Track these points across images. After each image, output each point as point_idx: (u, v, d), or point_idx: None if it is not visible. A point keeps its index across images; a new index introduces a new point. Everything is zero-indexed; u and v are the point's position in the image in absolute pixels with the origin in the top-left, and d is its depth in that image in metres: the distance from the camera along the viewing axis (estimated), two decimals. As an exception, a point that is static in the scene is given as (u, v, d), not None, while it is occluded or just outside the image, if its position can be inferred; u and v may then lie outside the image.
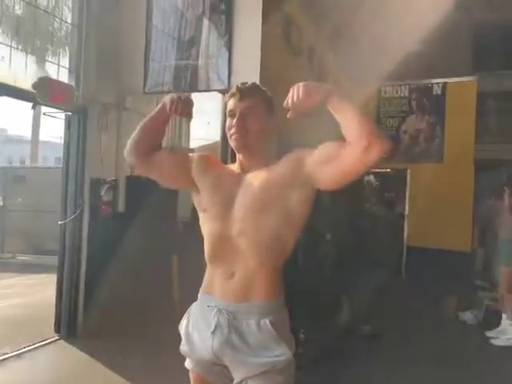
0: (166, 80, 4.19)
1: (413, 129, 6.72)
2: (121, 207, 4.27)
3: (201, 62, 4.13)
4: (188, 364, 1.49)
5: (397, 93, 6.78)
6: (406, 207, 6.71)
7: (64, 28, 3.87)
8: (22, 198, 8.93)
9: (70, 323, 3.92)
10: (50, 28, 3.80)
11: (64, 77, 3.83)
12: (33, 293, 5.56)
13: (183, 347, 1.48)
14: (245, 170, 1.48)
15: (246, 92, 1.45)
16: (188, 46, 4.21)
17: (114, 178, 4.14)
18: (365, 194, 7.62)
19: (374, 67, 5.66)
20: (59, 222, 3.98)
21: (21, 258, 8.47)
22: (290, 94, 1.34)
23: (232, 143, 1.46)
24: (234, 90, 1.47)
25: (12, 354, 3.44)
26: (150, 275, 4.09)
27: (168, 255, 4.47)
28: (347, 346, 3.81)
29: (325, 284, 4.53)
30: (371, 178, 7.76)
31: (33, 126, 14.69)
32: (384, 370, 3.35)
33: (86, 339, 3.85)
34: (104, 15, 3.99)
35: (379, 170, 7.51)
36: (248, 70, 3.77)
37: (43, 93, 3.41)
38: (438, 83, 6.45)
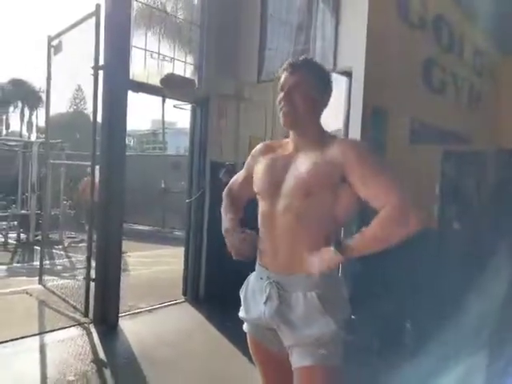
0: (279, 67, 4.36)
1: None
2: (239, 189, 4.63)
3: (313, 45, 4.19)
4: (245, 327, 1.61)
5: None
6: None
7: (188, 28, 4.35)
8: (179, 181, 10.24)
9: (193, 288, 4.49)
10: (177, 28, 4.32)
11: (188, 72, 4.34)
12: (177, 262, 6.44)
13: (241, 313, 1.60)
14: (297, 149, 1.47)
15: (297, 66, 1.43)
16: (300, 30, 4.29)
17: (231, 162, 4.52)
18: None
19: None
20: (186, 201, 4.56)
21: (177, 233, 9.80)
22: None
23: (281, 119, 1.46)
24: (286, 64, 1.47)
25: (146, 309, 4.15)
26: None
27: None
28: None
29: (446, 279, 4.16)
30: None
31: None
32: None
33: (206, 303, 4.38)
34: (223, 12, 4.36)
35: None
36: (354, 50, 3.69)
37: (169, 87, 3.95)
38: None
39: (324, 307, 1.37)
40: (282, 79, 1.45)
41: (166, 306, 4.31)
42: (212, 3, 4.39)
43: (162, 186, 10.52)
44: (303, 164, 1.42)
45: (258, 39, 4.36)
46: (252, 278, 1.58)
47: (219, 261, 4.37)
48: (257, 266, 1.56)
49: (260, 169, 1.54)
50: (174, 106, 4.39)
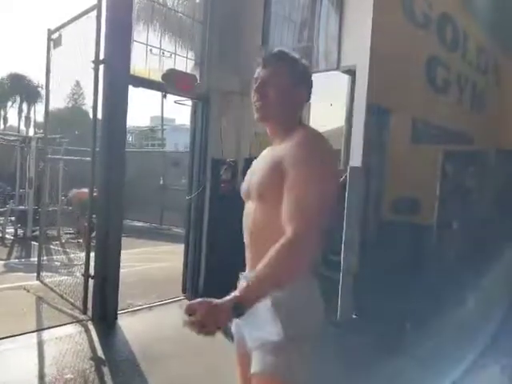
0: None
1: None
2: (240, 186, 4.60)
3: (316, 43, 4.15)
4: (233, 328, 1.50)
5: None
6: None
7: (190, 24, 4.31)
8: (178, 178, 10.19)
9: (193, 286, 4.46)
10: (179, 23, 4.28)
11: (190, 68, 4.29)
12: (175, 259, 6.41)
13: None
14: (272, 144, 1.45)
15: (268, 59, 1.40)
16: (304, 28, 4.26)
17: (233, 159, 4.48)
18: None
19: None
20: (187, 198, 4.52)
21: (175, 230, 9.74)
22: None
23: (254, 113, 1.41)
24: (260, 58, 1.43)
25: (144, 306, 4.12)
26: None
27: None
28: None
29: (446, 280, 4.14)
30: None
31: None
32: None
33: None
34: (225, 8, 4.31)
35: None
36: (358, 48, 3.66)
37: (170, 83, 3.91)
38: None
39: (277, 314, 1.26)
40: (256, 73, 1.41)
41: (165, 304, 4.28)
42: (215, 2, 4.34)
43: (161, 182, 10.55)
44: (263, 163, 1.38)
45: (261, 36, 4.33)
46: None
47: (219, 258, 4.36)
48: None
49: None
50: (176, 102, 4.35)
